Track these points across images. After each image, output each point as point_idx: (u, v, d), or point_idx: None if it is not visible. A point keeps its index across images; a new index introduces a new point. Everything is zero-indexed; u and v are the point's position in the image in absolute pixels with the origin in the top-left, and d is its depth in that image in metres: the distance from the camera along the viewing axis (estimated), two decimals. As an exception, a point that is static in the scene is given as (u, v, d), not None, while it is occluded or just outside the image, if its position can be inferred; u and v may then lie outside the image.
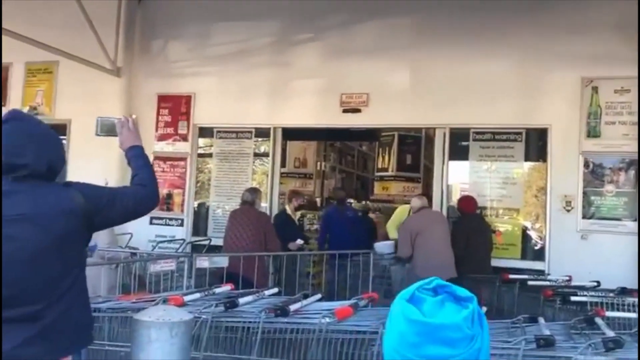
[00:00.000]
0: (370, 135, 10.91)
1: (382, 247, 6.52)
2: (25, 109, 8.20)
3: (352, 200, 14.05)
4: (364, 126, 7.72)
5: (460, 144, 6.87)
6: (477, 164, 6.77)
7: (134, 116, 2.45)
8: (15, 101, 8.32)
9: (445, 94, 6.73)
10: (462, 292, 1.10)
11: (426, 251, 5.52)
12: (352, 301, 3.18)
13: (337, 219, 7.65)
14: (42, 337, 1.87)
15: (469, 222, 6.12)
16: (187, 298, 3.19)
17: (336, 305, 3.11)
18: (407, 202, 8.01)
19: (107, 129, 2.34)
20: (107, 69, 7.52)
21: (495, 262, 6.32)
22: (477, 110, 6.58)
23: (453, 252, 5.66)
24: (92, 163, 7.08)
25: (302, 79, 7.40)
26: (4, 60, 8.28)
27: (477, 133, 6.75)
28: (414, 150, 12.68)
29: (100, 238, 5.41)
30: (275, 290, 3.67)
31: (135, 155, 2.24)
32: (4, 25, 6.77)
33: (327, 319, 2.87)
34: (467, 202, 6.27)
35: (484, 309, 3.25)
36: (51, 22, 7.76)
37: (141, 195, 2.15)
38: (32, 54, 7.72)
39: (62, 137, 8.37)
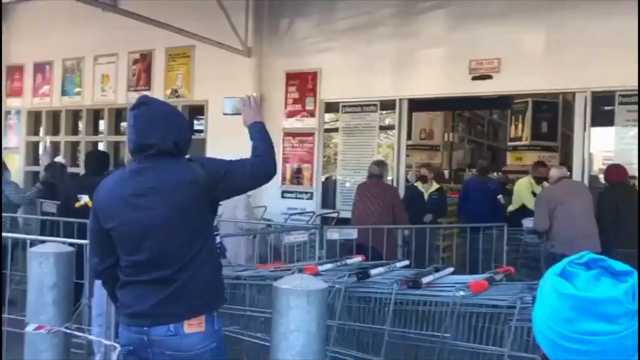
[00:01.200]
0: (502, 102, 10.40)
1: (529, 222, 6.15)
2: (167, 92, 8.87)
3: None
4: (495, 93, 7.37)
5: (603, 108, 6.34)
6: (623, 130, 6.20)
7: (255, 94, 2.55)
8: (158, 85, 9.01)
9: (586, 54, 6.20)
10: (620, 266, 1.00)
11: (566, 224, 5.16)
12: (486, 275, 3.10)
13: (476, 190, 7.42)
14: (176, 297, 2.09)
15: (617, 193, 5.61)
16: (320, 268, 3.30)
17: (470, 278, 3.04)
18: (526, 173, 7.59)
19: (233, 108, 2.45)
20: (239, 50, 7.87)
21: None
22: (623, 71, 5.98)
23: (600, 225, 5.23)
24: (228, 140, 7.48)
25: (428, 47, 7.22)
26: (148, 47, 9.00)
27: (624, 96, 6.17)
28: (550, 117, 11.88)
29: (238, 210, 5.75)
30: (406, 262, 3.67)
31: (255, 131, 2.35)
32: (147, 14, 7.35)
33: (462, 292, 2.82)
34: (617, 171, 5.73)
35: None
36: (187, 9, 8.26)
37: (257, 166, 2.24)
38: (171, 40, 8.30)
39: (200, 117, 8.96)
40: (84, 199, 4.95)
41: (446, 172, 12.51)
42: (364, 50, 7.52)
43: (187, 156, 2.24)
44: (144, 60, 9.15)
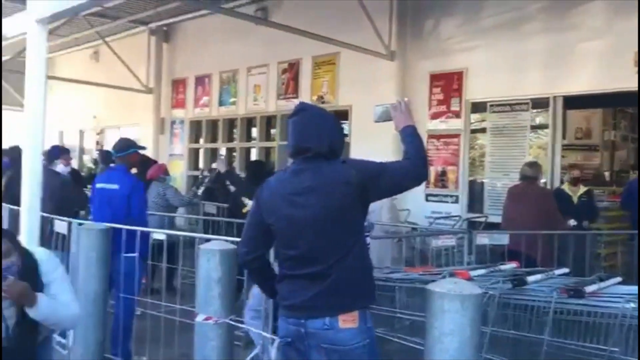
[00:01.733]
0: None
1: None
2: (314, 98, 9.21)
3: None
4: (664, 87, 6.65)
5: None
6: None
7: (406, 99, 2.55)
8: (305, 92, 9.40)
9: None
10: None
11: None
12: (661, 286, 2.82)
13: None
14: (329, 291, 2.19)
15: None
16: (473, 273, 3.22)
17: (640, 289, 2.79)
18: None
19: (384, 115, 2.47)
20: (382, 54, 7.94)
21: None
22: None
23: None
24: (371, 143, 7.59)
25: (586, 40, 6.72)
26: (296, 57, 9.42)
27: None
28: None
29: (383, 213, 5.81)
30: (566, 270, 3.46)
31: (407, 134, 2.36)
32: (293, 25, 7.71)
33: (632, 304, 2.60)
34: None
35: None
36: (332, 17, 8.52)
37: (408, 169, 2.26)
38: (317, 49, 8.62)
39: (343, 121, 9.18)
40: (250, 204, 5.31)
41: (607, 174, 11.50)
42: (513, 47, 7.20)
43: (342, 159, 2.33)
44: (292, 69, 9.59)
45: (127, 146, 4.72)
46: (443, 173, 7.96)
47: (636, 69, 6.27)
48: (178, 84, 11.86)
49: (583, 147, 11.77)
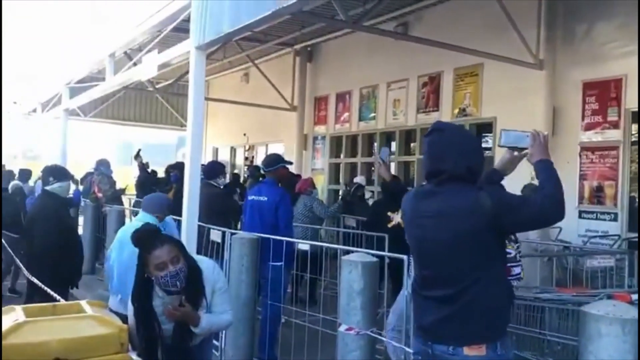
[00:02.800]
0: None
1: None
2: (455, 111, 9.02)
3: None
4: None
5: None
6: None
7: (546, 133, 2.44)
8: (446, 105, 9.24)
9: None
10: None
11: None
12: None
13: None
14: (457, 317, 2.15)
15: None
16: (635, 297, 2.95)
17: None
18: None
19: (514, 141, 2.38)
20: (530, 63, 7.58)
21: None
22: None
23: None
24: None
25: None
26: (436, 70, 9.31)
27: None
28: None
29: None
30: None
31: (543, 169, 2.26)
32: (435, 38, 7.64)
33: None
34: None
35: None
36: (474, 27, 8.33)
37: (545, 205, 2.16)
38: (459, 60, 8.46)
39: (488, 134, 8.87)
40: (396, 218, 5.39)
41: None
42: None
43: (480, 185, 2.26)
44: (433, 83, 9.50)
45: (275, 161, 5.01)
46: (599, 188, 7.35)
47: None
48: (320, 101, 12.29)
49: None
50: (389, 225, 5.42)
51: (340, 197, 8.39)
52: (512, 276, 2.88)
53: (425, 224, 2.24)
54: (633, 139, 7.20)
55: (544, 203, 2.17)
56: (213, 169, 6.35)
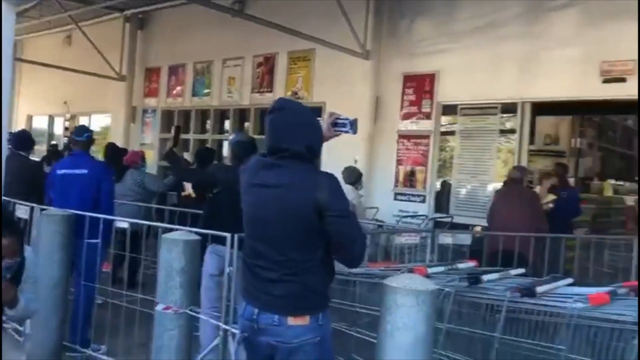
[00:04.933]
0: (637, 107, 9.58)
1: None
2: (288, 94, 9.21)
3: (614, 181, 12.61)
4: (629, 97, 6.84)
5: None
6: None
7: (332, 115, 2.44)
8: (280, 87, 9.40)
9: None
10: None
11: None
12: (609, 288, 2.92)
13: None
14: (283, 288, 2.20)
15: None
16: (430, 270, 3.29)
17: (590, 291, 2.89)
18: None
19: (341, 125, 2.38)
20: (358, 52, 7.99)
21: None
22: None
23: None
24: (343, 140, 7.63)
25: (555, 48, 6.86)
26: (272, 51, 9.41)
27: None
28: (694, 124, 10.78)
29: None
30: (522, 270, 3.55)
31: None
32: (270, 19, 7.70)
33: (580, 304, 2.69)
34: None
35: None
36: (309, 13, 8.54)
37: (362, 238, 2.27)
38: (294, 44, 8.63)
39: (318, 118, 9.20)
40: (188, 188, 5.38)
41: (572, 180, 11.76)
42: (485, 52, 7.32)
43: (321, 171, 2.30)
44: (268, 64, 9.58)
45: (83, 131, 4.68)
46: (412, 173, 8.05)
47: (602, 79, 6.43)
48: (151, 73, 11.74)
49: (551, 153, 12.04)
50: (182, 194, 5.44)
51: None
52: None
53: (261, 193, 2.25)
54: (442, 130, 7.98)
55: (362, 237, 2.27)
56: (23, 139, 5.75)
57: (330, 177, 2.24)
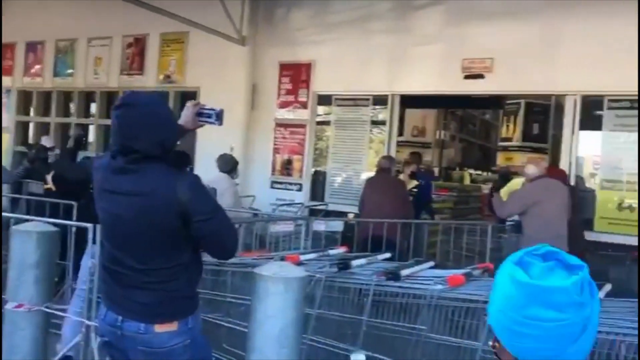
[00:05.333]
0: (494, 102, 10.44)
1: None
2: (160, 77, 8.84)
3: (472, 171, 13.62)
4: (487, 93, 7.41)
5: (592, 112, 6.37)
6: (612, 135, 6.25)
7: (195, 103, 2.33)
8: (151, 70, 8.99)
9: (577, 58, 6.23)
10: (573, 259, 1.07)
11: (538, 224, 5.07)
12: (465, 270, 3.14)
13: None
14: (147, 296, 2.09)
15: None
16: (303, 257, 3.32)
17: (449, 273, 3.09)
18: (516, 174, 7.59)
19: (207, 116, 2.26)
20: (234, 38, 7.85)
21: (626, 240, 5.89)
22: (613, 76, 6.02)
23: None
24: (218, 129, 7.48)
25: (422, 44, 7.22)
26: (142, 32, 8.96)
27: (613, 101, 6.21)
28: (541, 119, 11.91)
29: (224, 198, 5.76)
30: (388, 255, 3.71)
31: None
32: (142, -1, 7.31)
33: (439, 286, 2.86)
34: (556, 173, 5.82)
35: (609, 286, 3.06)
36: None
37: (233, 230, 2.20)
38: (166, 26, 8.27)
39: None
40: (48, 180, 5.05)
41: (436, 170, 12.56)
42: (358, 44, 7.52)
43: (180, 172, 2.14)
44: (138, 45, 9.11)
45: None
46: (289, 161, 8.11)
47: (463, 75, 6.89)
48: (5, 49, 10.65)
49: (417, 144, 12.73)
50: (45, 187, 5.12)
51: (26, 160, 7.48)
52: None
53: (116, 201, 2.07)
54: (318, 119, 8.11)
55: (232, 231, 2.19)
56: None
57: (190, 179, 2.10)
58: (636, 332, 2.41)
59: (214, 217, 2.08)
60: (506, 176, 6.18)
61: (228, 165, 6.21)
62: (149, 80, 8.85)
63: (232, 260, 3.73)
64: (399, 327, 2.97)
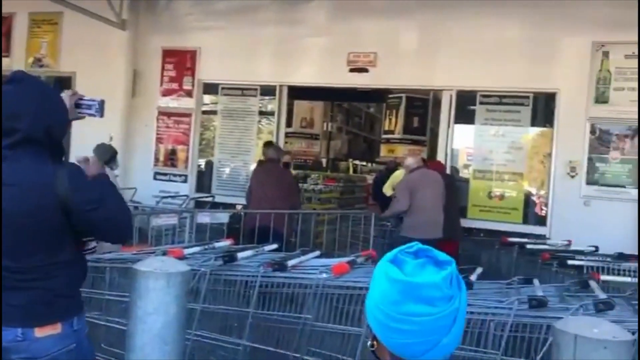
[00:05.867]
0: (378, 96, 10.83)
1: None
2: (29, 60, 8.17)
3: (358, 162, 14.02)
4: (370, 86, 7.63)
5: (466, 107, 6.80)
6: (483, 128, 6.71)
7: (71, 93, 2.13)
8: (19, 52, 8.28)
9: (454, 55, 6.62)
10: (442, 256, 1.14)
11: (416, 211, 5.42)
12: (349, 258, 3.21)
13: None
14: (24, 297, 1.87)
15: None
16: (186, 251, 3.23)
17: (334, 261, 3.14)
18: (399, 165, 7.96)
19: (87, 107, 2.11)
20: (112, 21, 7.42)
21: (496, 226, 6.37)
22: (485, 73, 6.48)
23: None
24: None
25: (310, 36, 7.28)
26: (8, 10, 8.20)
27: (484, 96, 6.67)
28: (421, 112, 12.55)
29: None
30: (275, 246, 3.71)
31: (102, 183, 2.06)
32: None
33: (324, 275, 2.91)
34: (435, 165, 6.25)
35: (480, 270, 3.28)
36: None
37: (124, 208, 2.01)
38: (36, 5, 7.66)
39: (67, 90, 8.35)
40: None
41: (324, 161, 12.81)
42: (246, 33, 7.43)
43: (61, 161, 1.98)
44: (4, 24, 8.33)
45: None
46: (173, 152, 7.85)
47: (348, 68, 7.04)
48: None
49: (306, 135, 12.89)
50: None
51: None
52: (87, 250, 2.74)
53: None
54: (204, 109, 7.92)
55: (123, 211, 1.99)
56: None
57: (70, 168, 1.94)
58: (504, 310, 2.60)
59: (98, 206, 1.91)
60: (392, 169, 6.46)
61: (106, 155, 5.87)
62: (16, 64, 8.13)
63: (111, 255, 3.55)
64: (285, 317, 2.98)
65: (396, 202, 5.53)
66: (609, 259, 3.95)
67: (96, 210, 1.90)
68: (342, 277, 2.91)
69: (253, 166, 7.39)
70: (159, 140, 7.84)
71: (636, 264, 3.75)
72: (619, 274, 3.62)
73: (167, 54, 7.75)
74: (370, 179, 11.76)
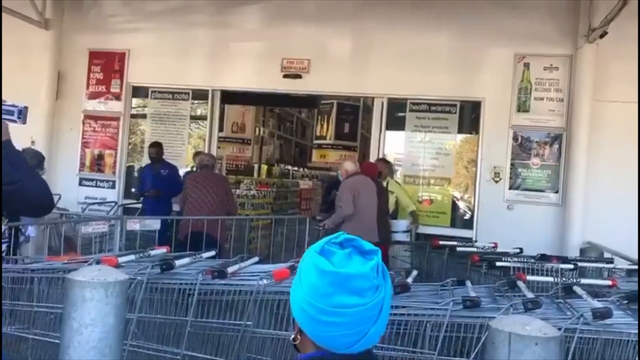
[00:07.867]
0: (310, 102, 10.89)
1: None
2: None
3: (290, 167, 14.06)
4: (303, 92, 7.69)
5: (397, 114, 6.98)
6: (413, 135, 6.92)
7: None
8: None
9: (385, 64, 6.80)
10: (367, 245, 1.14)
11: (357, 215, 5.47)
12: (289, 263, 3.22)
13: None
14: None
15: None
16: (121, 259, 3.13)
17: (274, 267, 3.14)
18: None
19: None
20: (34, 20, 7.08)
21: (426, 230, 6.57)
22: (414, 82, 6.69)
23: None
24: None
25: (243, 41, 7.25)
26: None
27: (414, 104, 6.88)
28: (352, 119, 12.78)
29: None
30: (212, 253, 3.66)
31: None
32: None
33: (265, 281, 2.90)
34: (369, 167, 6.36)
35: (415, 272, 3.38)
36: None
37: (45, 186, 1.87)
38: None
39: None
40: None
41: (256, 167, 12.73)
42: (177, 36, 7.30)
43: None
44: None
45: None
46: (100, 156, 7.57)
47: (282, 74, 7.06)
48: None
49: (238, 140, 12.77)
50: None
51: None
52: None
53: None
54: (133, 112, 7.70)
55: (43, 184, 1.86)
56: None
57: None
58: (439, 311, 2.70)
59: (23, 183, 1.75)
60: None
61: (33, 160, 5.58)
62: None
63: (38, 265, 3.38)
64: (225, 325, 2.95)
65: (340, 209, 5.55)
66: (532, 260, 4.17)
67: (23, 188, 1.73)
68: (283, 283, 2.92)
69: (183, 171, 7.25)
70: (84, 144, 7.55)
71: (558, 265, 3.98)
72: (542, 274, 3.83)
73: (94, 55, 7.47)
74: (303, 184, 11.82)
